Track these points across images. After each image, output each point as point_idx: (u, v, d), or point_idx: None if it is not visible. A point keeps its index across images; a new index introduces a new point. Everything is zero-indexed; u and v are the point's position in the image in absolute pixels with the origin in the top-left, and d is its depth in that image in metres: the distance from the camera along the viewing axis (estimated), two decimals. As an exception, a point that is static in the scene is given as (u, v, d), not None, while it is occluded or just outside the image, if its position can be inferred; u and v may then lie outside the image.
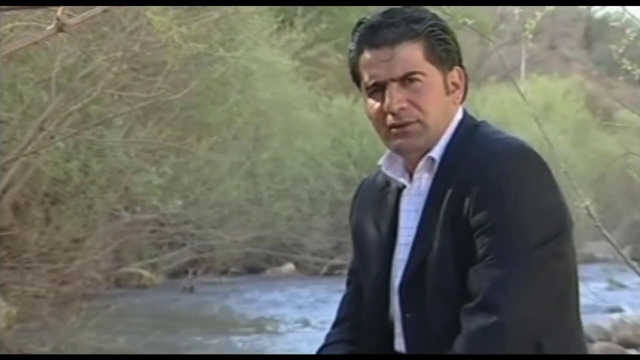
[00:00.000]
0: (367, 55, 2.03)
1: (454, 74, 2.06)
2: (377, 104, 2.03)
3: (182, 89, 9.11)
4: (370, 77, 2.03)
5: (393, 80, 2.00)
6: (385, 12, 2.04)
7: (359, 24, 2.07)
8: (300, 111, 17.67)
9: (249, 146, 15.70)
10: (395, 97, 1.99)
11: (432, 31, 2.02)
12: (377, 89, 2.02)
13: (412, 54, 2.00)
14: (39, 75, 8.98)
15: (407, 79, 2.00)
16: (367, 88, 2.05)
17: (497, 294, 1.88)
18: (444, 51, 2.03)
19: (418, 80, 2.00)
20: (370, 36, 2.02)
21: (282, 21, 15.95)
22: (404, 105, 2.00)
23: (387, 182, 2.14)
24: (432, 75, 2.02)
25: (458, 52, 2.07)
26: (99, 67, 8.75)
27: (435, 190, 2.01)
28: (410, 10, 2.04)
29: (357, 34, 2.06)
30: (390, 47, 2.00)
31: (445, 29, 2.05)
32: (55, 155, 10.18)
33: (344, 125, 18.78)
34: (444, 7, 4.21)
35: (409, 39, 2.00)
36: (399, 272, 2.04)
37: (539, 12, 4.39)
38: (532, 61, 34.34)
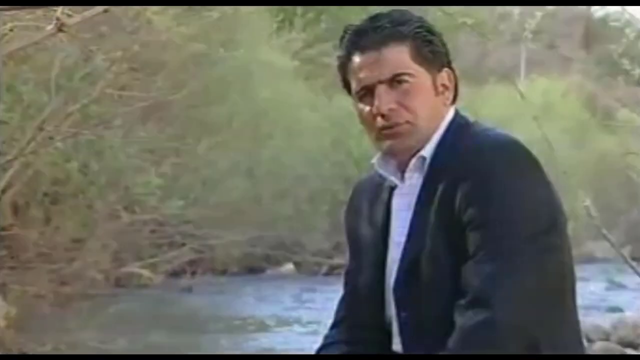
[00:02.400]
0: (354, 60, 2.05)
1: (443, 76, 2.07)
2: (367, 108, 2.04)
3: (182, 89, 9.13)
4: (359, 81, 2.04)
5: (381, 82, 2.01)
6: (371, 17, 2.07)
7: (346, 30, 2.09)
8: (300, 111, 17.68)
9: (249, 146, 15.70)
10: (384, 98, 2.00)
11: (418, 32, 2.03)
12: (366, 93, 2.03)
13: (399, 56, 2.01)
14: (38, 75, 8.98)
15: (395, 81, 2.01)
16: (357, 92, 2.06)
17: (488, 290, 1.88)
18: (431, 52, 2.04)
19: (406, 81, 2.01)
20: (357, 41, 2.04)
21: (282, 21, 15.98)
22: (393, 106, 2.00)
23: (381, 182, 2.15)
24: (420, 76, 2.02)
25: (446, 54, 2.08)
26: (99, 67, 8.76)
27: (426, 188, 2.02)
28: (396, 13, 2.06)
29: (344, 40, 2.08)
30: (377, 50, 2.01)
31: (431, 31, 2.06)
32: (55, 155, 10.19)
33: (343, 124, 18.77)
34: (444, 7, 4.22)
35: (395, 40, 2.01)
36: (393, 271, 2.05)
37: (539, 12, 4.40)
38: (532, 61, 34.40)
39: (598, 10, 40.24)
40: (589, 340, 9.57)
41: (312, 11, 19.50)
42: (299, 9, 17.86)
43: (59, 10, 4.21)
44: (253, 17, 11.86)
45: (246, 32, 11.79)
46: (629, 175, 5.06)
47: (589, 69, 38.03)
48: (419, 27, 2.04)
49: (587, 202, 4.22)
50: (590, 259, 18.78)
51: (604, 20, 36.70)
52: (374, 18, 2.05)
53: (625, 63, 4.44)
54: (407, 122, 2.01)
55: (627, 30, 4.38)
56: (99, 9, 4.42)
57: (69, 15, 4.31)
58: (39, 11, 6.15)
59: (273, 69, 15.21)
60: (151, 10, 7.31)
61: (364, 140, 18.47)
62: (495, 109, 21.39)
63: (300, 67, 17.43)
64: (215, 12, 9.55)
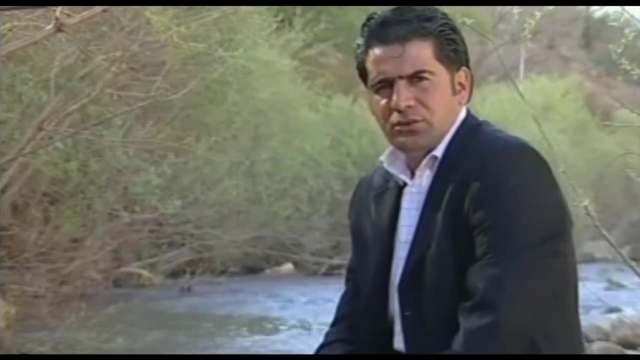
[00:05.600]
0: (376, 51, 2.02)
1: (461, 75, 2.06)
2: (384, 101, 2.02)
3: (181, 89, 9.11)
4: (379, 73, 2.01)
5: (401, 77, 1.99)
6: (395, 9, 2.03)
7: (369, 19, 2.06)
8: (299, 111, 17.67)
9: (248, 146, 15.69)
10: (403, 94, 1.98)
11: (443, 30, 2.02)
12: (385, 86, 2.01)
13: (422, 52, 1.99)
14: (38, 75, 8.96)
15: (415, 77, 1.99)
16: (374, 84, 2.04)
17: (494, 293, 1.88)
18: (453, 51, 2.03)
19: (426, 79, 2.00)
20: (381, 32, 2.01)
21: (281, 21, 15.95)
22: (412, 103, 1.99)
23: (386, 180, 2.13)
24: (440, 74, 2.01)
25: (465, 53, 2.07)
26: (98, 67, 8.75)
27: (436, 188, 2.01)
28: (421, 8, 2.04)
29: (366, 29, 2.05)
30: (401, 44, 1.99)
31: (455, 29, 2.05)
32: (54, 155, 10.17)
33: (343, 124, 18.78)
34: (444, 7, 4.20)
35: (420, 36, 2.00)
36: (398, 269, 2.04)
37: (538, 11, 4.39)
38: (531, 61, 34.41)
39: (597, 10, 40.28)
40: (588, 341, 9.58)
41: (311, 11, 19.48)
42: (299, 9, 17.85)
43: (58, 10, 4.21)
44: (252, 17, 11.84)
45: (245, 32, 11.77)
46: (629, 175, 5.06)
47: (588, 68, 38.05)
48: (443, 24, 2.02)
49: (586, 202, 4.22)
50: (590, 259, 18.78)
51: (603, 20, 36.69)
52: (399, 10, 2.02)
53: (625, 63, 4.44)
54: (424, 119, 2.00)
55: (627, 30, 4.37)
56: (98, 9, 4.42)
57: (68, 15, 4.31)
58: (38, 11, 6.14)
59: (272, 69, 15.19)
60: (150, 10, 7.29)
61: (363, 140, 18.50)
62: (495, 108, 21.39)
63: (300, 66, 17.43)
64: (214, 11, 9.55)
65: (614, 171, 19.18)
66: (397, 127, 2.01)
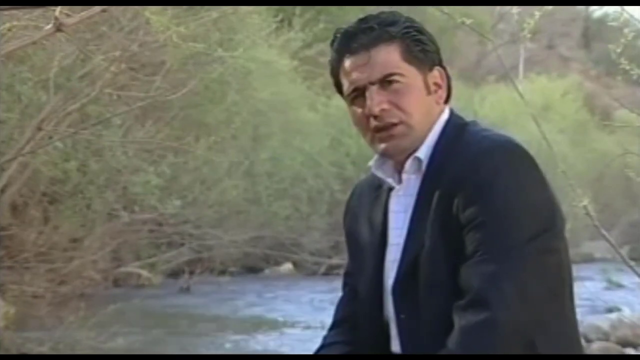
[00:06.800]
0: (345, 62, 2.05)
1: (435, 74, 2.07)
2: (360, 110, 2.04)
3: (181, 89, 9.11)
4: (350, 83, 2.04)
5: (372, 83, 2.01)
6: (360, 19, 2.07)
7: (336, 33, 2.09)
8: (299, 111, 17.68)
9: (248, 146, 15.70)
10: (375, 99, 2.00)
11: (407, 32, 2.03)
12: (358, 95, 2.04)
13: (388, 56, 2.01)
14: (37, 75, 8.97)
15: (386, 81, 2.01)
16: (349, 95, 2.06)
17: (487, 290, 1.88)
18: (421, 52, 2.04)
19: (397, 81, 2.01)
20: (347, 43, 2.04)
21: (281, 21, 15.96)
22: (385, 106, 2.00)
23: (380, 183, 2.15)
24: (410, 75, 2.02)
25: (437, 52, 2.08)
26: (97, 67, 8.76)
27: (425, 190, 2.01)
28: (385, 15, 2.06)
29: (335, 43, 2.08)
30: (367, 51, 2.01)
31: (420, 30, 2.06)
32: (54, 155, 10.19)
33: (342, 124, 18.77)
34: (443, 7, 4.22)
35: (385, 41, 2.02)
36: (391, 272, 2.04)
37: (538, 11, 4.39)
38: (531, 61, 34.44)
39: (596, 10, 40.32)
40: (588, 340, 9.58)
41: (310, 11, 19.49)
42: (298, 9, 17.86)
43: (58, 10, 4.21)
44: (252, 17, 11.86)
45: (245, 32, 11.79)
46: (628, 176, 5.06)
47: (587, 68, 38.07)
48: (407, 27, 2.04)
49: (586, 202, 4.21)
50: (589, 259, 18.79)
51: (602, 20, 36.73)
52: (363, 20, 2.06)
53: (624, 63, 4.43)
54: (401, 122, 2.01)
55: (626, 30, 4.37)
56: (97, 9, 4.42)
57: (68, 15, 4.31)
58: (38, 11, 6.15)
59: (272, 69, 15.21)
60: (150, 10, 7.30)
61: (362, 140, 18.41)
62: (494, 108, 21.42)
63: (299, 66, 17.44)
64: (213, 11, 9.56)
65: (613, 171, 19.18)
66: (377, 134, 2.03)
